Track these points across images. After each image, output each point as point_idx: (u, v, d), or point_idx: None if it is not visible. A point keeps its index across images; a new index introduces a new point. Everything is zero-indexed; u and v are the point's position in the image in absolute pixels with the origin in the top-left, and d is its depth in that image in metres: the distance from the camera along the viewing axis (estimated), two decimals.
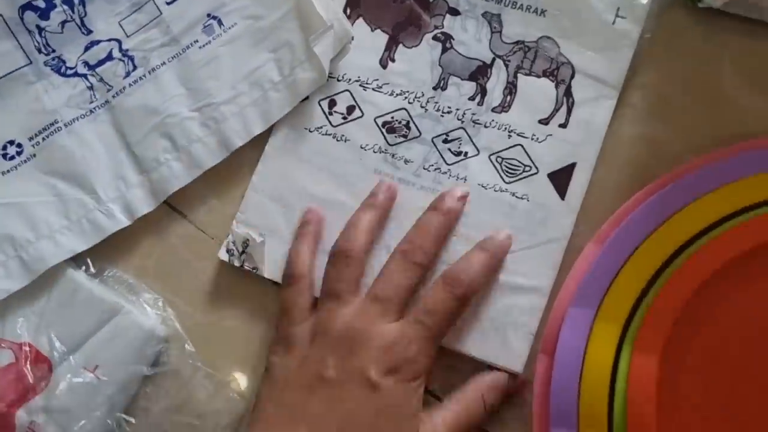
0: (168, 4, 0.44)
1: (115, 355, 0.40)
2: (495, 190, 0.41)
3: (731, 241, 0.35)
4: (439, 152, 0.42)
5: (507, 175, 0.41)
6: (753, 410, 0.35)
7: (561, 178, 0.40)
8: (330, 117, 0.43)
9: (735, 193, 0.36)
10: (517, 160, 0.41)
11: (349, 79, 0.44)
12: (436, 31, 0.43)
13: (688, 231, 0.36)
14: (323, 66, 0.43)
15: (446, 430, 0.36)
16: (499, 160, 0.41)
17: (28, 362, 0.40)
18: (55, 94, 0.44)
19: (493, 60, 0.42)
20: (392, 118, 0.43)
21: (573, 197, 0.40)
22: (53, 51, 0.44)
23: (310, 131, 0.43)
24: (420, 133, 0.42)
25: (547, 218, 0.40)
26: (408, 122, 0.43)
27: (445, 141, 0.42)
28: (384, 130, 0.43)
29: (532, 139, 0.41)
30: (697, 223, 0.35)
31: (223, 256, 0.42)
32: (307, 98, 0.44)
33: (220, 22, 0.44)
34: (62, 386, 0.40)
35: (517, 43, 0.42)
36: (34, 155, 0.44)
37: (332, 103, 0.43)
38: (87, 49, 0.44)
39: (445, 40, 0.43)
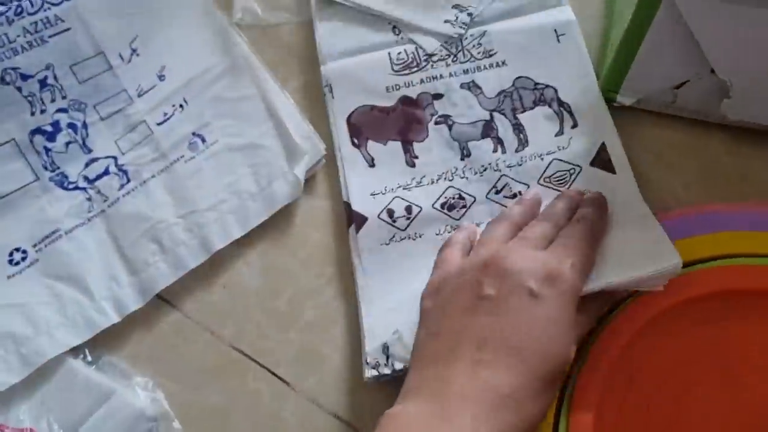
0: (158, 124, 0.50)
1: None
2: None
3: (643, 309, 0.40)
4: (499, 203, 0.47)
5: (561, 185, 0.46)
6: None
7: (602, 159, 0.46)
8: (396, 224, 0.47)
9: None
10: (559, 171, 0.46)
11: (392, 188, 0.48)
12: (434, 117, 0.49)
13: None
14: (299, 181, 0.48)
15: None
16: (547, 180, 0.46)
17: None
18: (57, 205, 0.48)
19: (491, 115, 0.48)
20: (446, 198, 0.47)
21: (620, 165, 0.46)
22: (58, 168, 0.48)
23: (387, 244, 0.46)
24: (474, 198, 0.47)
25: (615, 194, 0.43)
26: (460, 194, 0.47)
27: (497, 192, 0.47)
28: (445, 211, 0.47)
29: (559, 149, 0.47)
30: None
31: (370, 374, 0.42)
32: (366, 219, 0.47)
33: (203, 139, 0.50)
34: None
35: (499, 93, 0.49)
36: (37, 260, 0.47)
37: (390, 213, 0.47)
38: (87, 165, 0.49)
39: (446, 119, 0.49)
